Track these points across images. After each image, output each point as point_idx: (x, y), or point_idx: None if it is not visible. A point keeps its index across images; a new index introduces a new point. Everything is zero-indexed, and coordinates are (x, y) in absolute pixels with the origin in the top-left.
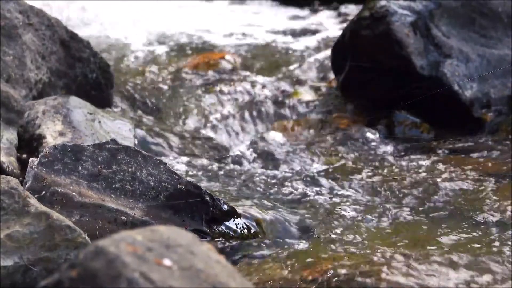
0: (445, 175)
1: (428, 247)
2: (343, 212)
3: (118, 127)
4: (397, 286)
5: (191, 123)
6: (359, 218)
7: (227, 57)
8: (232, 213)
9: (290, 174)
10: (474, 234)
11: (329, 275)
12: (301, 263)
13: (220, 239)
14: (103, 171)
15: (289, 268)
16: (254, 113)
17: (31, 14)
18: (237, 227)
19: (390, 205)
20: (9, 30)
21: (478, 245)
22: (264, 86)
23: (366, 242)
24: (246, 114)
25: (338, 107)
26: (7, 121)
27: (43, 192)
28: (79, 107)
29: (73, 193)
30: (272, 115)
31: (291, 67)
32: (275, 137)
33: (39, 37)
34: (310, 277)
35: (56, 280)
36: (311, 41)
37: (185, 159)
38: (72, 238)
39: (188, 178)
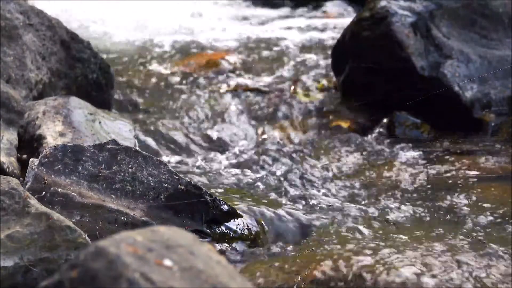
0: (445, 176)
1: (428, 247)
2: (343, 212)
3: (118, 128)
4: (397, 286)
5: (191, 123)
6: (360, 218)
7: (227, 57)
8: (233, 214)
9: (290, 175)
10: (474, 234)
11: (329, 275)
12: (302, 263)
13: (221, 239)
14: (104, 172)
15: (290, 268)
16: (254, 114)
17: (31, 15)
18: (237, 228)
19: (391, 205)
20: (9, 31)
21: (478, 246)
22: (264, 87)
23: (367, 242)
24: (246, 115)
25: (338, 108)
26: (7, 121)
27: (44, 193)
28: (79, 108)
29: (73, 193)
30: (272, 115)
31: (292, 68)
32: (275, 137)
33: (39, 37)
34: (310, 277)
35: (56, 281)
36: (311, 41)
37: (185, 159)
38: (72, 239)
39: (188, 179)
